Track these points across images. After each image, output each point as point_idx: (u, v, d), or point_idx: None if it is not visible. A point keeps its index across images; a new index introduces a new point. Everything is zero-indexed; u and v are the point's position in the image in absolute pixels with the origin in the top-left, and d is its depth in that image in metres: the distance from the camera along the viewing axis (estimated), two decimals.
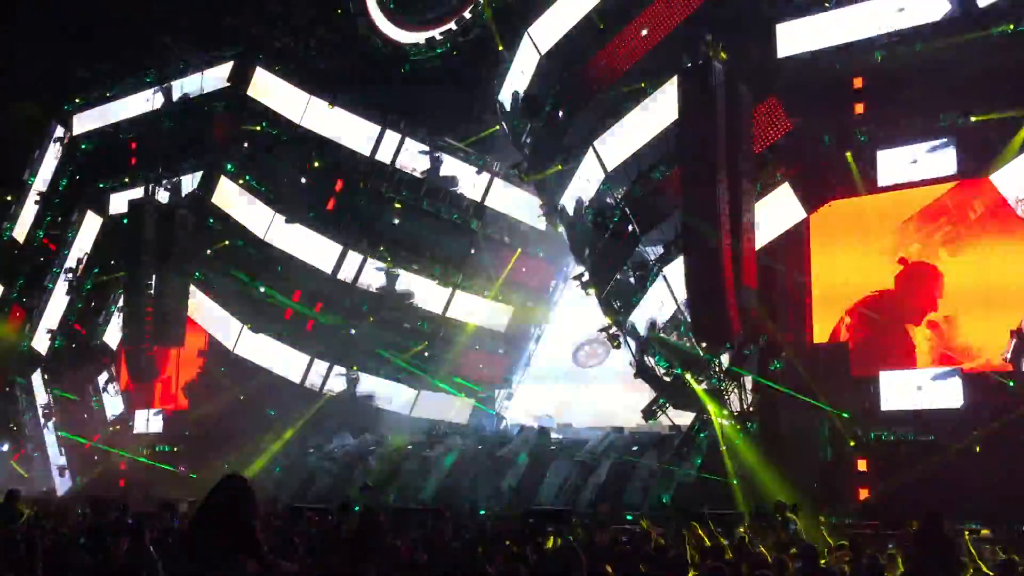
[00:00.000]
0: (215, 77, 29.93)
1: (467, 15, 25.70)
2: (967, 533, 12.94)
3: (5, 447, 35.64)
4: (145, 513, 15.00)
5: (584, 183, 22.80)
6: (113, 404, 32.41)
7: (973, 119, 17.76)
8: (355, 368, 28.92)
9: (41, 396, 34.52)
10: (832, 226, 20.12)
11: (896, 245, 19.38)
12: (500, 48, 25.14)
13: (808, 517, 15.81)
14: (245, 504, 4.36)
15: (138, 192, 28.92)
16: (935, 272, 18.96)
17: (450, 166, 28.58)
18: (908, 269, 19.22)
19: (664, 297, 20.64)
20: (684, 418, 21.69)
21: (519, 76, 24.42)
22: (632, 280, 21.75)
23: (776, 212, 19.88)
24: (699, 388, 20.03)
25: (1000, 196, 17.97)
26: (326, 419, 28.57)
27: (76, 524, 15.13)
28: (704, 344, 19.63)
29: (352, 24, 28.00)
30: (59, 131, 34.83)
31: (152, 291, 26.62)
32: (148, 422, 31.03)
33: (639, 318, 21.71)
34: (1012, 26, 17.48)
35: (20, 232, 36.09)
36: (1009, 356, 17.33)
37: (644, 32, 21.06)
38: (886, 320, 19.13)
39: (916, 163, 18.80)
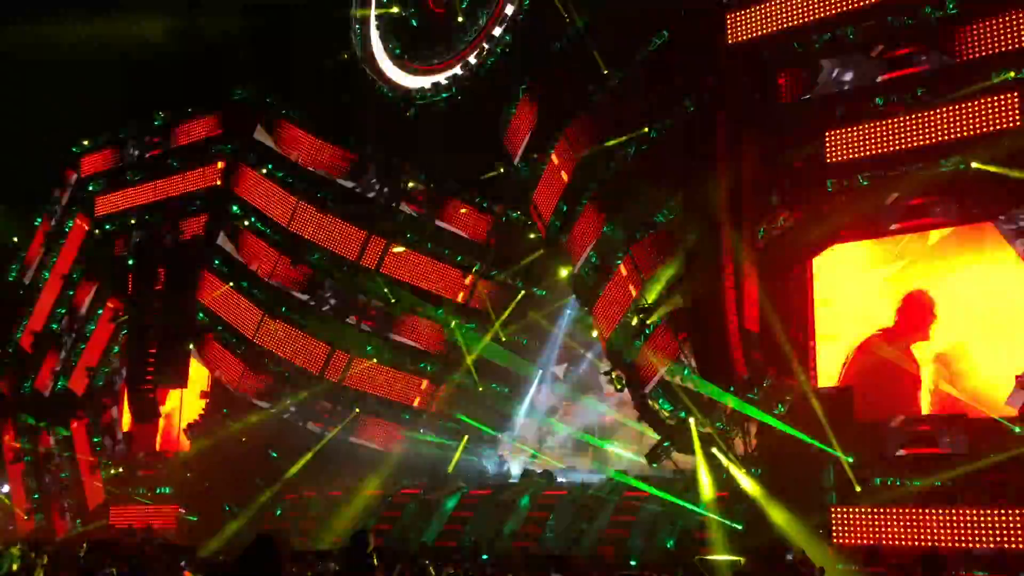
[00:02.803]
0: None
1: (472, 60, 26.00)
2: None
3: (5, 488, 35.48)
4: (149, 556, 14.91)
5: (588, 225, 22.93)
6: (114, 445, 32.28)
7: (975, 165, 17.84)
8: (357, 410, 28.89)
9: (42, 437, 34.43)
10: (836, 269, 20.12)
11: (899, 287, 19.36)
12: (505, 101, 25.43)
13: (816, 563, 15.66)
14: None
15: (144, 234, 29.09)
16: (926, 299, 19.02)
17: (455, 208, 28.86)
18: (904, 301, 19.29)
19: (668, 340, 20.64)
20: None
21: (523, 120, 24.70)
22: (635, 322, 21.75)
23: (779, 255, 19.92)
24: (695, 438, 19.92)
25: (1000, 237, 18.05)
26: (328, 461, 28.42)
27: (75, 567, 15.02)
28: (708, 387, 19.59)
29: (358, 69, 28.32)
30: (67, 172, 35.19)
31: (155, 332, 26.66)
32: (149, 463, 30.88)
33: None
34: (1013, 73, 17.66)
35: (26, 274, 36.27)
36: (1016, 402, 17.28)
37: None
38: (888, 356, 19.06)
39: (921, 207, 18.88)
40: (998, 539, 16.42)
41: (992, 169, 17.56)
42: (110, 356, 32.70)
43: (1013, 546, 16.22)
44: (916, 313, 19.01)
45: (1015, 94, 17.59)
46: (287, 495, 28.03)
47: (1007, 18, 17.82)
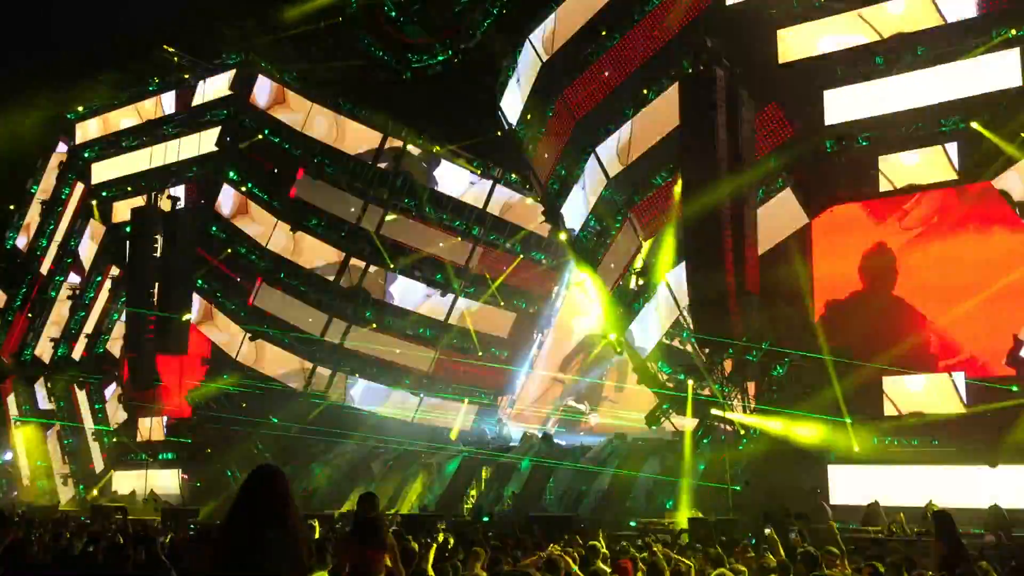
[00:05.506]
0: (218, 85, 30.06)
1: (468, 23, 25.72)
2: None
3: (8, 456, 35.67)
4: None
5: (587, 189, 22.84)
6: (116, 412, 32.41)
7: (974, 126, 17.74)
8: (357, 375, 28.93)
9: (44, 404, 34.57)
10: (835, 230, 20.04)
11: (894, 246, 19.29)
12: (502, 64, 25.20)
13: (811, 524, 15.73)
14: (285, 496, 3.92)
15: (141, 200, 28.95)
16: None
17: (452, 172, 28.70)
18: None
19: (667, 303, 20.64)
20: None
21: (521, 83, 24.48)
22: (634, 286, 21.76)
23: (779, 217, 19.86)
24: (689, 401, 20.02)
25: (999, 198, 17.97)
26: (328, 425, 28.53)
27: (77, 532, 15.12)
28: (707, 350, 19.61)
29: (354, 32, 28.02)
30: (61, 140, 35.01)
31: (155, 299, 26.59)
32: (151, 430, 31.01)
33: (642, 324, 21.72)
34: (1014, 31, 17.51)
35: (23, 241, 36.21)
36: (1014, 362, 17.33)
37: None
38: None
39: (917, 167, 18.79)
40: (994, 497, 16.51)
41: (992, 137, 17.48)
42: (110, 323, 32.76)
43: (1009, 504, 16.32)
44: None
45: (1015, 52, 17.48)
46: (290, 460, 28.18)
47: None
